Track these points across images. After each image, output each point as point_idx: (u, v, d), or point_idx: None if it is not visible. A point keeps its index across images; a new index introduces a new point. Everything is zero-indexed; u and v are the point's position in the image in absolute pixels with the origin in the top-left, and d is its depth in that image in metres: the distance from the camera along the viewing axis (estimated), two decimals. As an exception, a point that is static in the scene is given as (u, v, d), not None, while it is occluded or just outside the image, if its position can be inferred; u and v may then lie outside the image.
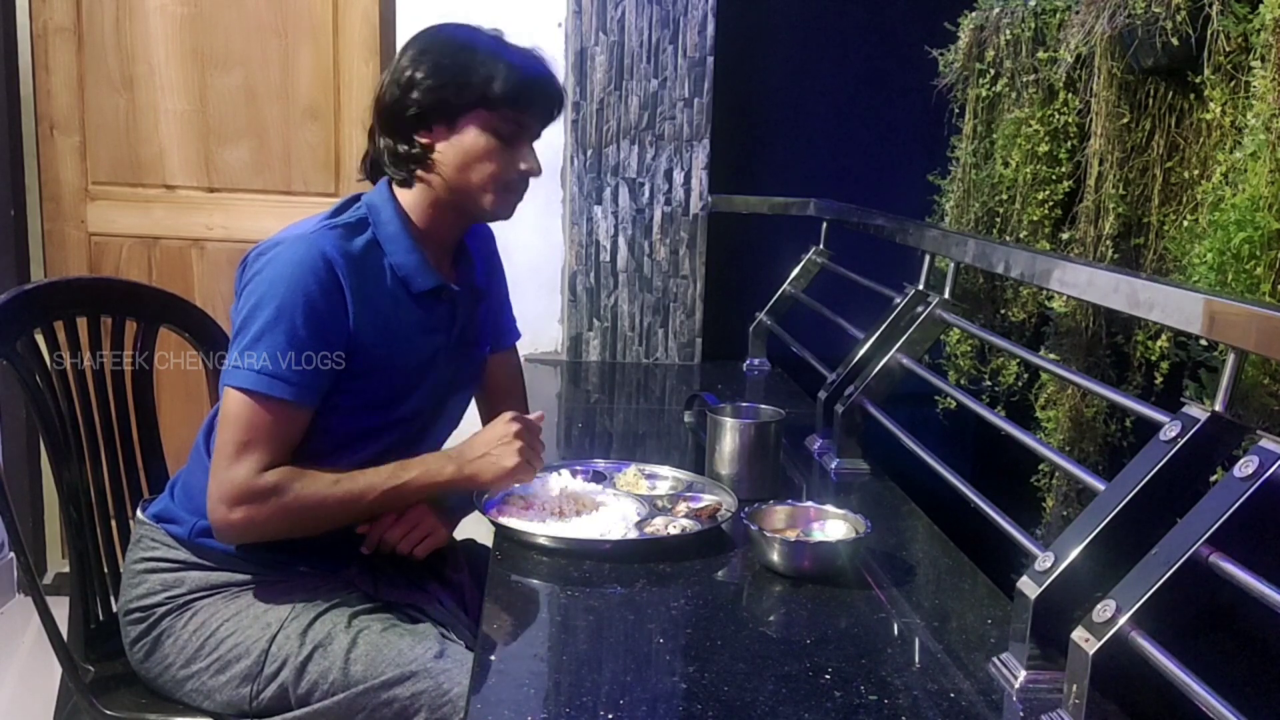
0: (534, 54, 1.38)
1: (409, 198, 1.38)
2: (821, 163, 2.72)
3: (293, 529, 1.30)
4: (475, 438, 1.39)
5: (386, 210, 1.36)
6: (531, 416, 1.40)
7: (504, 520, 1.33)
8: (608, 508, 1.39)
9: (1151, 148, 1.61)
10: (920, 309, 1.65)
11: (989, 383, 2.04)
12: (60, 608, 1.39)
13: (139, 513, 1.44)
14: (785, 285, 2.44)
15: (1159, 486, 0.94)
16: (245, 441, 1.24)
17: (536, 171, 1.38)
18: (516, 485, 1.44)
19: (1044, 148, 1.82)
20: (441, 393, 1.44)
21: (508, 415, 1.38)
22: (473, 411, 1.59)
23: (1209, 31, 1.36)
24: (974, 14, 2.07)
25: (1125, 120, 1.62)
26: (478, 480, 1.35)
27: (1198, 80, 1.43)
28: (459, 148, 1.34)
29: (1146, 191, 1.63)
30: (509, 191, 1.38)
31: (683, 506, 1.41)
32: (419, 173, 1.36)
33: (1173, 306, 1.01)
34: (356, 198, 1.40)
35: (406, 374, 1.37)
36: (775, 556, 1.24)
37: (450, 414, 1.50)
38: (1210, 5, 1.34)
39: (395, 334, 1.34)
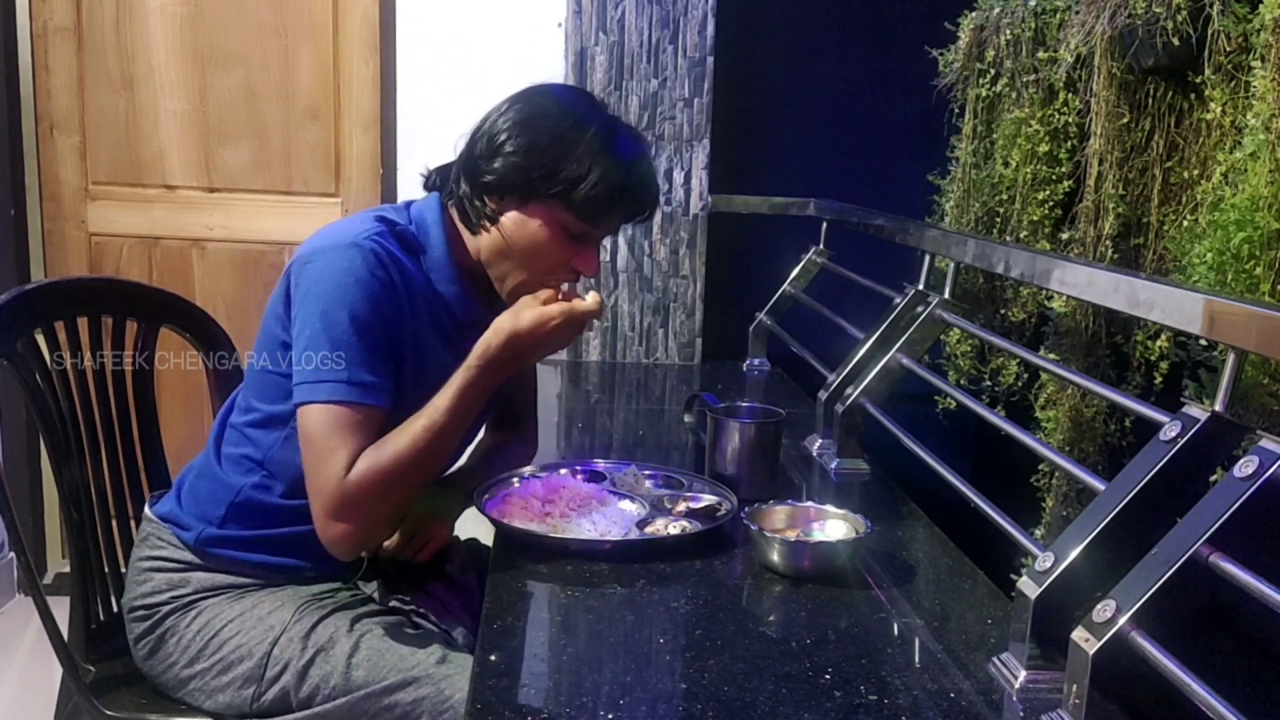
0: (640, 153, 1.29)
1: (463, 233, 1.33)
2: (821, 163, 2.72)
3: (400, 494, 1.22)
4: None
5: (436, 233, 1.32)
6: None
7: (504, 520, 1.33)
8: (608, 508, 1.39)
9: (1151, 148, 1.61)
10: (920, 309, 1.65)
11: (989, 383, 2.04)
12: (60, 608, 1.39)
13: (146, 509, 1.43)
14: (785, 285, 2.44)
15: (1159, 486, 0.94)
16: (332, 448, 1.18)
17: (591, 273, 1.31)
18: (520, 484, 1.44)
19: (1044, 148, 1.82)
20: None
21: (542, 294, 1.25)
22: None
23: (1209, 31, 1.36)
24: (974, 14, 2.07)
25: (1125, 120, 1.62)
26: (520, 338, 1.23)
27: (1198, 80, 1.43)
28: (521, 229, 1.27)
29: (1146, 191, 1.63)
30: (545, 280, 1.29)
31: (683, 506, 1.41)
32: (481, 223, 1.30)
33: (1173, 306, 1.01)
34: (408, 205, 1.35)
35: (430, 391, 1.28)
36: (775, 556, 1.24)
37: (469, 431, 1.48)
38: (1210, 5, 1.34)
39: (430, 352, 1.31)
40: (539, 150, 1.25)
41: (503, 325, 1.23)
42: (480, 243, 1.32)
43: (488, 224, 1.29)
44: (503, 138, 1.26)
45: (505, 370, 1.25)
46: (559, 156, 1.24)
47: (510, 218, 1.28)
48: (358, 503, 1.18)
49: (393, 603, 1.37)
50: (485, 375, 1.23)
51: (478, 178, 1.28)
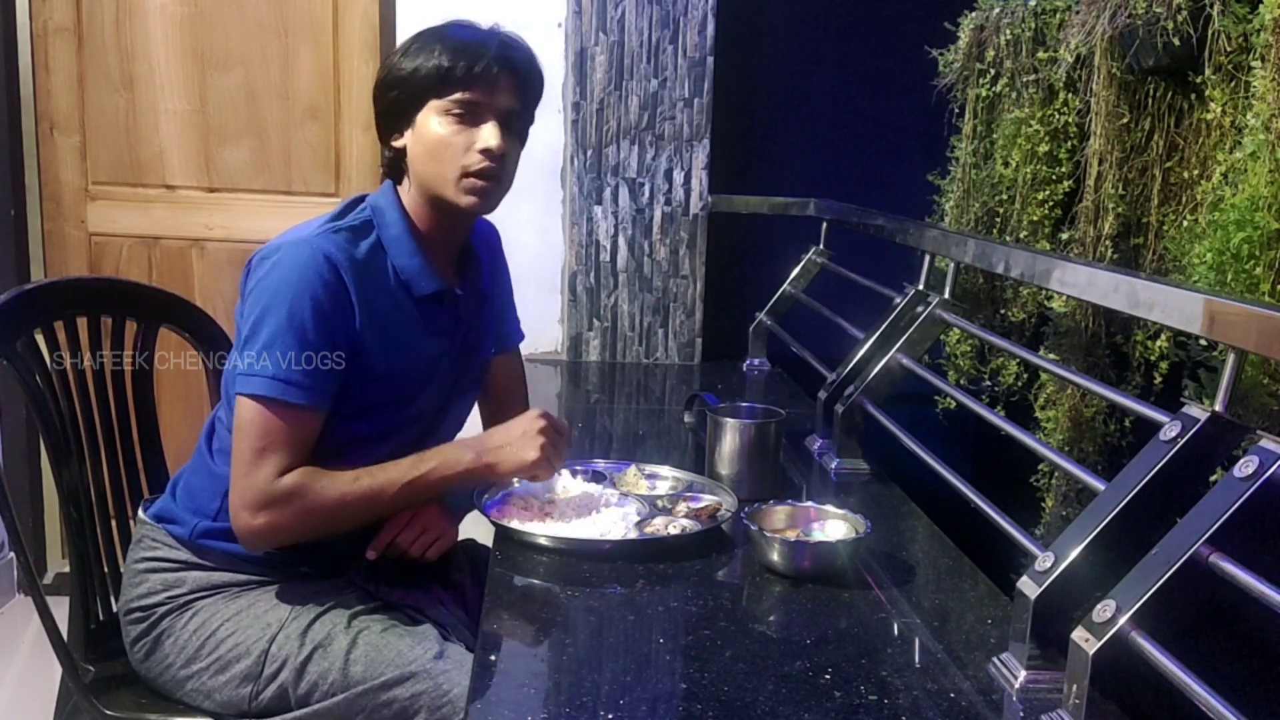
0: (470, 26, 1.35)
1: (409, 199, 1.38)
2: (821, 163, 2.72)
3: (316, 529, 1.29)
4: (497, 429, 1.39)
5: (391, 212, 1.36)
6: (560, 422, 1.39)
7: (504, 520, 1.33)
8: (608, 508, 1.39)
9: (1151, 148, 1.61)
10: (920, 309, 1.65)
11: (989, 383, 2.03)
12: (60, 608, 1.39)
13: (140, 512, 1.44)
14: (785, 285, 2.44)
15: (1159, 486, 0.94)
16: (262, 447, 1.23)
17: (494, 149, 1.30)
18: (520, 485, 1.44)
19: (1044, 148, 1.82)
20: (444, 397, 1.44)
21: (536, 411, 1.37)
22: (475, 415, 1.59)
23: (1209, 31, 1.36)
24: (974, 14, 2.07)
25: (1125, 120, 1.62)
26: (496, 470, 1.35)
27: (1198, 80, 1.43)
28: (422, 142, 1.33)
29: (1146, 191, 1.63)
30: (472, 177, 1.32)
31: (683, 506, 1.41)
32: (406, 174, 1.37)
33: (1173, 306, 1.01)
34: (361, 199, 1.40)
35: (409, 379, 1.36)
36: (775, 556, 1.24)
37: (454, 418, 1.49)
38: (1210, 5, 1.34)
39: (398, 338, 1.34)
40: (393, 68, 1.34)
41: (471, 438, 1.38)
42: (413, 184, 1.37)
43: (404, 164, 1.37)
44: (375, 85, 1.38)
45: (466, 475, 1.34)
46: (404, 60, 1.33)
47: (412, 143, 1.35)
48: (281, 509, 1.24)
49: (389, 598, 1.37)
50: (444, 474, 1.33)
51: (379, 125, 1.39)
